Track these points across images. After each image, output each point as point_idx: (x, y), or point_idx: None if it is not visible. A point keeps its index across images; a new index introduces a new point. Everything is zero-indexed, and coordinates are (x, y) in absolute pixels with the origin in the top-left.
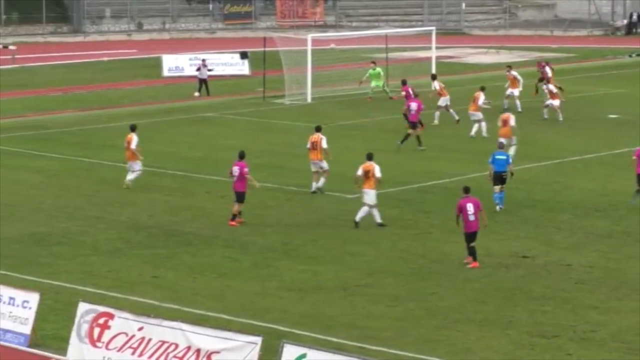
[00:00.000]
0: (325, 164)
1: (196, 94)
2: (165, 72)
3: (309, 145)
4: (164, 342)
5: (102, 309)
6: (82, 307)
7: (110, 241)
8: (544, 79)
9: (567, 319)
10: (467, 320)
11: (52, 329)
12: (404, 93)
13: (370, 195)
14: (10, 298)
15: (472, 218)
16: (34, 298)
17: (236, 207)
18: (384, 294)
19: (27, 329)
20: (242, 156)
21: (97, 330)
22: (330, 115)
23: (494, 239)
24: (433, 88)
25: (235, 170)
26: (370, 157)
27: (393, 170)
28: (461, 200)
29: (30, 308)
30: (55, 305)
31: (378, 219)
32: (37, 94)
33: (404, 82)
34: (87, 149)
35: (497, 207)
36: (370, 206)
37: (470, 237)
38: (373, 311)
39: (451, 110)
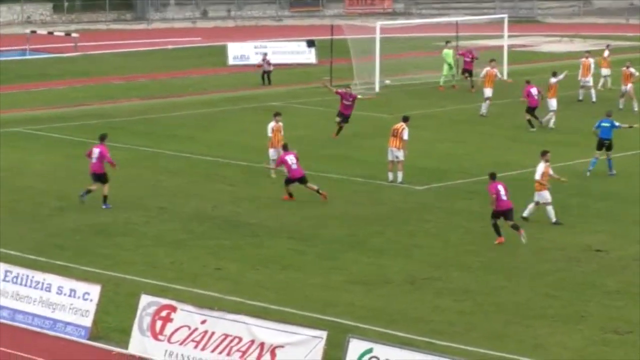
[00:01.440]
0: (401, 154)
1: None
2: (231, 61)
3: (391, 132)
4: (227, 336)
5: (164, 301)
6: (144, 299)
7: (173, 232)
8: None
9: None
10: (538, 315)
11: (113, 321)
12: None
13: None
14: (71, 290)
15: (504, 198)
16: (95, 290)
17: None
18: (452, 288)
19: (87, 322)
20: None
21: (159, 323)
22: (399, 105)
23: (566, 232)
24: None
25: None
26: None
27: (463, 161)
28: (492, 184)
29: (91, 300)
30: (117, 298)
31: None
32: (100, 82)
33: (528, 82)
34: (150, 139)
35: (587, 172)
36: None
37: (506, 214)
38: (440, 305)
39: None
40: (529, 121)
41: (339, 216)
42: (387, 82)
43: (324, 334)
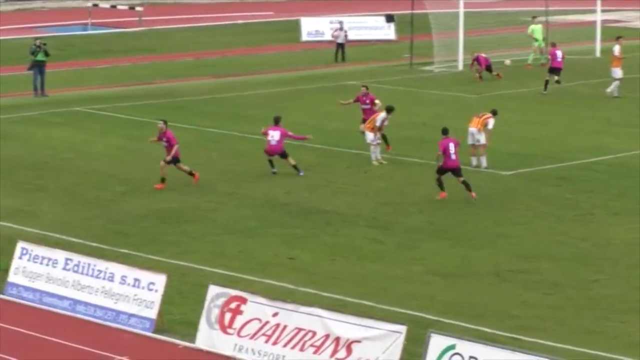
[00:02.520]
0: (483, 138)
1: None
2: (304, 37)
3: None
4: (300, 330)
5: (233, 292)
6: (213, 290)
7: (243, 219)
8: None
9: None
10: (632, 310)
11: (179, 313)
12: None
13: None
14: (135, 280)
15: (453, 157)
16: (160, 280)
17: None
18: (540, 281)
19: (152, 313)
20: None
21: (228, 316)
22: (483, 84)
23: None
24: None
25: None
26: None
27: (552, 145)
28: (443, 140)
29: (156, 291)
30: (183, 288)
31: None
32: (166, 59)
33: (553, 44)
34: (219, 119)
35: None
36: None
37: (454, 172)
38: (528, 299)
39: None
40: (546, 82)
41: (419, 203)
42: (507, 62)
43: (403, 328)
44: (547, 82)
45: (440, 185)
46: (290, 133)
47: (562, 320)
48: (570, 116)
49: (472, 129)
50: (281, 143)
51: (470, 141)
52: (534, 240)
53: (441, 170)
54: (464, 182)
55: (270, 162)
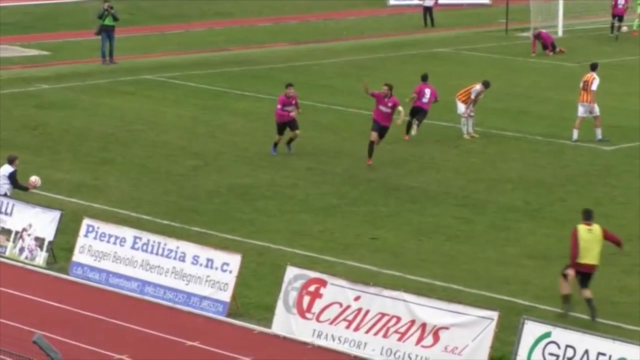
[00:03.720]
0: (596, 109)
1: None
2: (391, 1)
3: (581, 85)
4: (383, 315)
5: (313, 274)
6: (290, 271)
7: (323, 196)
8: None
9: None
10: None
11: (255, 296)
12: None
13: None
14: (208, 260)
15: (425, 100)
16: (234, 260)
17: None
18: (638, 262)
19: (226, 296)
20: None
21: (307, 299)
22: (584, 52)
23: None
24: None
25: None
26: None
27: None
28: (419, 86)
29: (230, 272)
30: (259, 269)
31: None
32: (243, 25)
33: None
34: (298, 89)
35: None
36: None
37: (419, 112)
38: (630, 284)
39: None
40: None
41: (513, 180)
42: (625, 28)
43: (495, 314)
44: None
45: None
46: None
47: None
48: None
49: (584, 103)
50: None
51: (580, 114)
52: (636, 221)
53: (412, 111)
54: (418, 121)
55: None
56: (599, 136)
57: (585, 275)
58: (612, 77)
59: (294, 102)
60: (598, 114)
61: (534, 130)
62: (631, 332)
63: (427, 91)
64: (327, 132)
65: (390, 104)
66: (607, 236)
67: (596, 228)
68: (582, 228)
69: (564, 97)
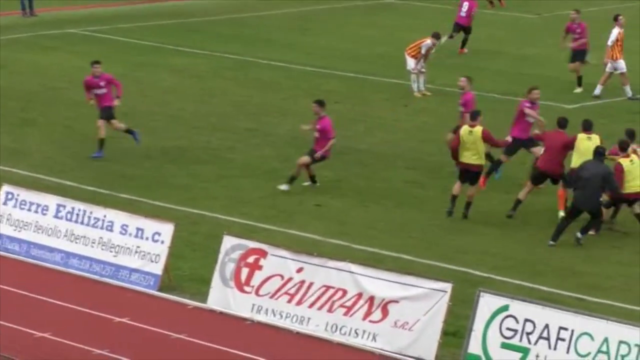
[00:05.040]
0: (622, 65)
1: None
2: None
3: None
4: (328, 288)
5: (252, 244)
6: (228, 241)
7: (264, 160)
8: None
9: None
10: None
11: (189, 268)
12: None
13: None
14: (138, 230)
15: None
16: (167, 230)
17: None
18: (608, 232)
19: (158, 269)
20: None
21: (245, 271)
22: (546, 3)
23: None
24: None
25: None
26: None
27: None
28: None
29: (162, 242)
30: (194, 239)
31: None
32: None
33: None
34: (237, 44)
35: None
36: None
37: None
38: (595, 254)
39: None
40: None
41: None
42: None
43: (448, 286)
44: None
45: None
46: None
47: (634, 279)
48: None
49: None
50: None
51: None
52: None
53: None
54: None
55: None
56: (629, 93)
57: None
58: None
59: (102, 83)
60: (624, 70)
61: (491, 88)
62: (596, 305)
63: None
64: (269, 90)
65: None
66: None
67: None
68: (464, 129)
69: (523, 52)
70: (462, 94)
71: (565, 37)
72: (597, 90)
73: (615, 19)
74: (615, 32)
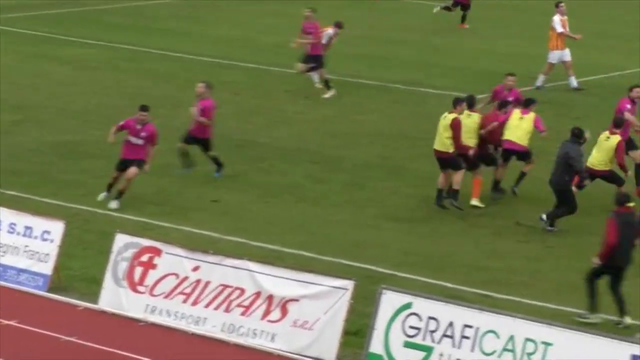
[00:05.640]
0: (567, 55)
1: None
2: None
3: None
4: (225, 287)
5: (146, 242)
6: (120, 239)
7: (158, 154)
8: None
9: None
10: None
11: (80, 268)
12: None
13: None
14: (27, 228)
15: None
16: (57, 228)
17: None
18: (514, 226)
19: (47, 268)
20: None
21: (139, 271)
22: None
23: None
24: None
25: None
26: None
27: (533, 63)
28: None
29: (51, 241)
30: (85, 237)
31: None
32: None
33: None
34: (132, 33)
35: None
36: None
37: None
38: (500, 247)
39: None
40: None
41: (371, 133)
42: None
43: (350, 284)
44: None
45: None
46: None
47: (541, 274)
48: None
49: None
50: None
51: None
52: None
53: None
54: None
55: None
56: (574, 83)
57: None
58: (482, 18)
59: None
60: (569, 59)
61: (394, 78)
62: (501, 301)
63: None
64: (164, 82)
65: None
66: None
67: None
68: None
69: (428, 41)
70: (199, 100)
71: (302, 37)
72: (573, 82)
73: (557, 5)
74: (557, 19)
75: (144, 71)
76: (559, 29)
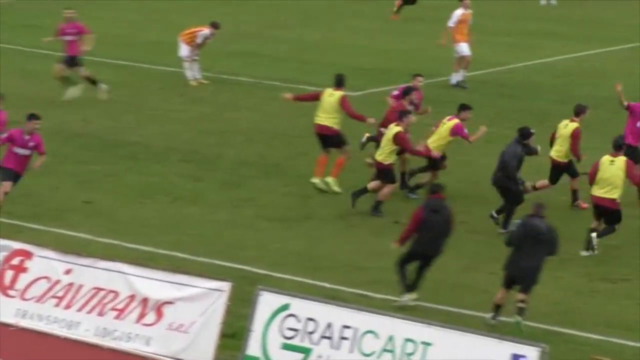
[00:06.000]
0: (466, 49)
1: None
2: None
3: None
4: (99, 290)
5: (16, 245)
6: None
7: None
8: None
9: None
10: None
11: None
12: None
13: None
14: None
15: None
16: None
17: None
18: (393, 224)
19: None
20: None
21: (9, 274)
22: None
23: None
24: None
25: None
26: None
27: (416, 58)
28: None
29: None
30: None
31: None
32: None
33: None
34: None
35: None
36: None
37: None
38: (379, 247)
39: None
40: None
41: (247, 131)
42: None
43: (226, 285)
44: None
45: None
46: None
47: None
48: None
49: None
50: None
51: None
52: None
53: None
54: None
55: None
56: (453, 80)
57: None
58: (360, 12)
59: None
60: (462, 54)
61: (270, 75)
62: (380, 302)
63: None
64: (34, 81)
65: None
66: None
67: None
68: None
69: (304, 37)
70: None
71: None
72: (454, 79)
73: None
74: (459, 13)
75: (14, 70)
76: (450, 23)
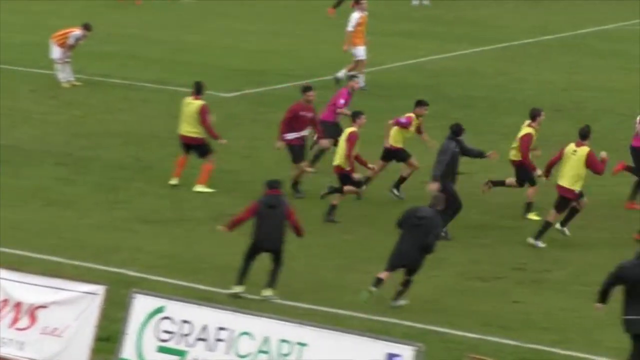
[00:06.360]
0: (362, 52)
1: None
2: None
3: None
4: None
5: None
6: None
7: None
8: None
9: (515, 256)
10: (378, 258)
11: None
12: None
13: None
14: None
15: None
16: None
17: None
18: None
19: None
20: None
21: None
22: None
23: None
24: None
25: None
26: None
27: (287, 59)
28: None
29: None
30: None
31: None
32: None
33: None
34: None
35: None
36: None
37: None
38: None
39: None
40: None
41: (121, 134)
42: None
43: (100, 289)
44: None
45: None
46: None
47: (296, 272)
48: (314, 22)
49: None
50: None
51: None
52: (262, 176)
53: None
54: None
55: None
56: (340, 74)
57: None
58: (233, 13)
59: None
60: (359, 57)
61: (143, 77)
62: (257, 303)
63: None
64: None
65: None
66: None
67: None
68: None
69: (178, 38)
70: None
71: None
72: (341, 74)
73: (357, 2)
74: (357, 16)
75: None
76: (349, 27)
